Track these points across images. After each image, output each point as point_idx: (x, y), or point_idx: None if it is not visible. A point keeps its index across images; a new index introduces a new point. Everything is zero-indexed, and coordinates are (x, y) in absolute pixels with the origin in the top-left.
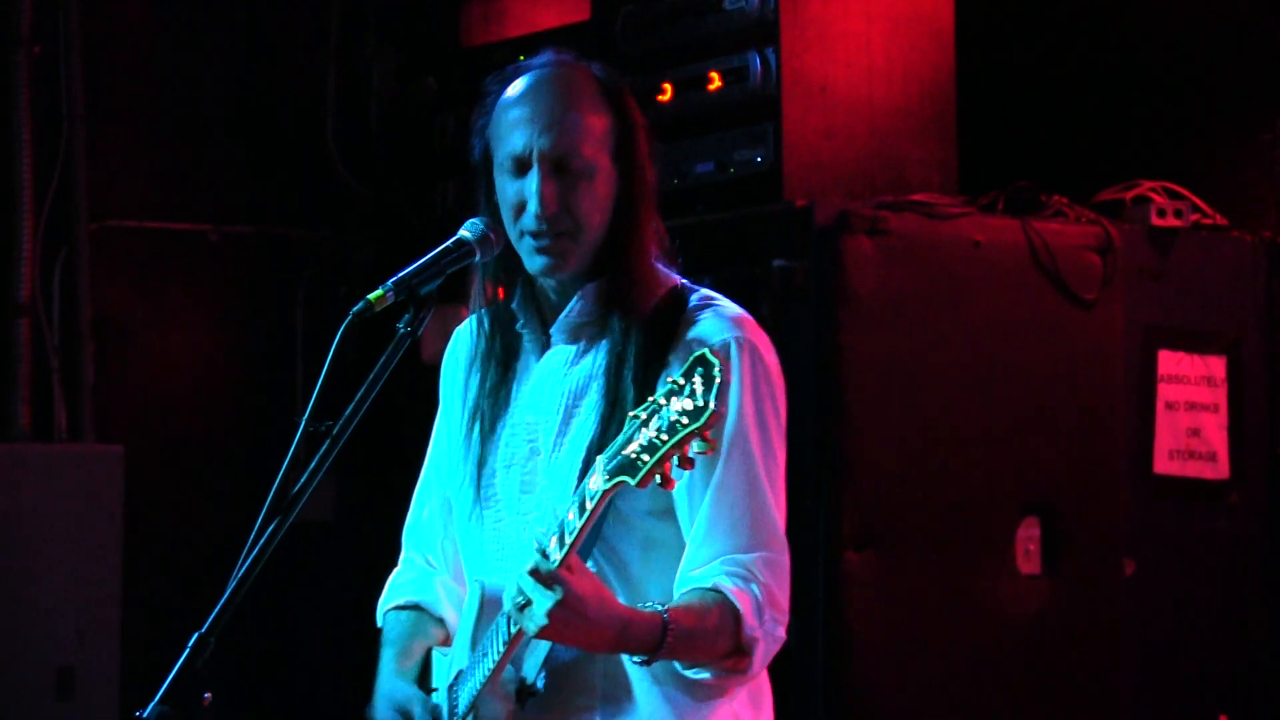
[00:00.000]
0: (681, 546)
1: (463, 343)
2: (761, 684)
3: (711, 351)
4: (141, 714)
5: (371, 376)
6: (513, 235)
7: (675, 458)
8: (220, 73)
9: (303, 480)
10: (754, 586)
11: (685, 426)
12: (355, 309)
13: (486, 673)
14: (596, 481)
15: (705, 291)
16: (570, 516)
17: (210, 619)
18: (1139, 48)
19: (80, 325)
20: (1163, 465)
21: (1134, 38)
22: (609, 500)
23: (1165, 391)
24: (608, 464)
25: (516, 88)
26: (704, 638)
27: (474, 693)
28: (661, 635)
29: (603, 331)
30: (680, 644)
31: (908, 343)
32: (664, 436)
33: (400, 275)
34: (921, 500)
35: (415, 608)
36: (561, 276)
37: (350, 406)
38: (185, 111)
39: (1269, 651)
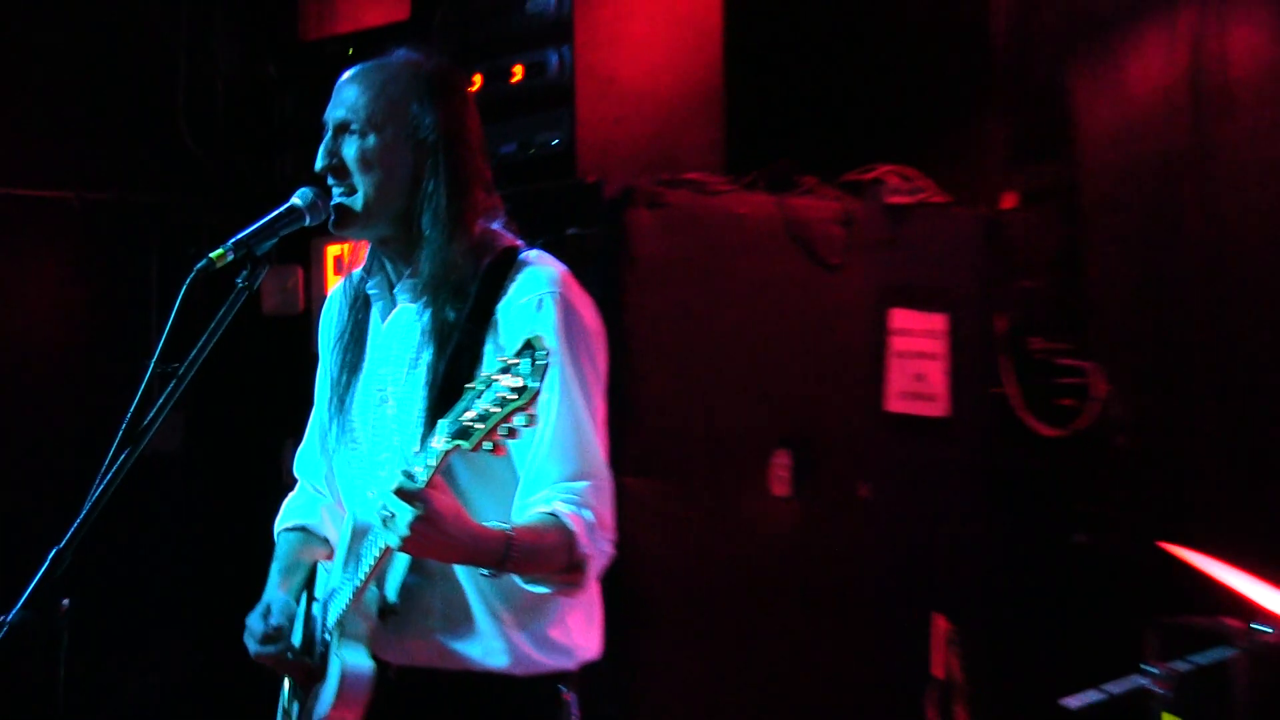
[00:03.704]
0: (514, 479)
1: (336, 300)
2: (593, 600)
3: (539, 340)
4: (6, 618)
5: (212, 325)
6: None
7: (503, 428)
8: (80, 51)
9: (151, 414)
10: (585, 510)
11: (511, 402)
12: (198, 265)
13: (353, 590)
14: (439, 441)
15: (536, 252)
16: (419, 470)
17: (68, 535)
18: (884, 47)
19: None
20: (894, 405)
21: (879, 39)
22: (450, 456)
23: (896, 343)
24: (449, 427)
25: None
26: (543, 554)
27: (341, 608)
28: (506, 550)
29: (439, 292)
30: (523, 559)
31: (682, 300)
32: (494, 409)
33: (239, 236)
34: (693, 434)
35: (302, 529)
36: (346, 234)
37: (194, 351)
38: (47, 87)
39: (979, 560)
